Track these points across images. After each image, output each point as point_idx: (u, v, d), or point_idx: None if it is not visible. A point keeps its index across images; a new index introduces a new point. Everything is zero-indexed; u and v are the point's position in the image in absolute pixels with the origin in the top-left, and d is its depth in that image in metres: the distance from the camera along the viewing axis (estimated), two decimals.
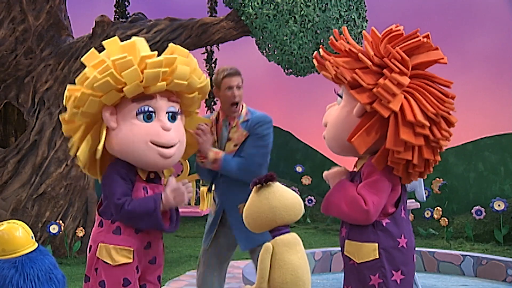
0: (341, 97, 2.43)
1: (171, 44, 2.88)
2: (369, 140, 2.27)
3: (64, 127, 2.88)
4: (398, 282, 2.30)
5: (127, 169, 2.71)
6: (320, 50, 2.48)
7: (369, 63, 2.26)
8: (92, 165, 2.83)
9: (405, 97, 2.25)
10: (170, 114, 2.74)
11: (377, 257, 2.28)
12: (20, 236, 2.39)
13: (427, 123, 2.24)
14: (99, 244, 2.71)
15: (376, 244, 2.30)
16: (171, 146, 2.71)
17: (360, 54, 2.29)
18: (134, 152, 2.67)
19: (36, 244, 2.44)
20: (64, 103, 2.82)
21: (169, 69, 2.67)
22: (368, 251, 2.30)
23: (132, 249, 2.69)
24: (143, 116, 2.67)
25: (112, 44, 2.83)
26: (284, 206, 2.07)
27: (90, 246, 2.77)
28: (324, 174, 2.61)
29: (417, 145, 2.25)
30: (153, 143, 2.67)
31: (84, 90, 2.66)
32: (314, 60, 2.51)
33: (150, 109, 2.68)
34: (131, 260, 2.69)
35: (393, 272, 2.29)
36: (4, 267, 2.32)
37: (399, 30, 2.37)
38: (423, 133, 2.24)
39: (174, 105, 2.77)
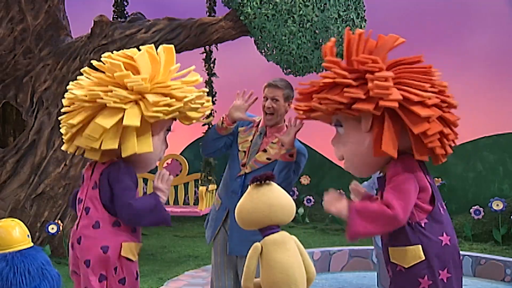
0: (340, 125, 2.44)
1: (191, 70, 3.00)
2: (393, 142, 2.30)
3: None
4: (445, 280, 2.29)
5: (135, 174, 2.86)
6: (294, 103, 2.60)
7: (349, 81, 2.30)
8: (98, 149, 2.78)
9: (398, 88, 2.30)
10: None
11: (423, 258, 2.28)
12: (15, 233, 2.42)
13: (431, 94, 2.32)
14: (122, 243, 2.81)
15: (420, 246, 2.29)
16: None
17: (336, 80, 2.33)
18: (151, 160, 2.88)
19: (31, 244, 2.46)
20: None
21: None
22: (414, 254, 2.29)
23: (140, 244, 2.96)
24: (167, 132, 2.93)
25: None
26: (281, 205, 2.07)
27: (105, 247, 2.74)
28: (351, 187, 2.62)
29: (436, 115, 2.31)
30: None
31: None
32: (297, 116, 2.64)
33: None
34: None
35: (440, 271, 2.29)
36: None
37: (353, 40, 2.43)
38: (434, 103, 2.31)
39: None
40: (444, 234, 2.34)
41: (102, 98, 2.65)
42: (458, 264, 2.37)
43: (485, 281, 5.15)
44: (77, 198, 2.90)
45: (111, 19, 7.40)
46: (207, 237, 3.48)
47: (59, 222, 6.38)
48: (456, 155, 9.03)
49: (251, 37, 6.65)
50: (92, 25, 6.75)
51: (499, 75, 8.95)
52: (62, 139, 2.96)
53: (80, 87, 2.79)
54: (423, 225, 2.32)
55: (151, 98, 2.68)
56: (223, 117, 3.26)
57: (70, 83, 2.90)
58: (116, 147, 2.69)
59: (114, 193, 2.75)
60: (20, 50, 6.69)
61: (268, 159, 3.25)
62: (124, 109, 2.66)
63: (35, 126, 6.65)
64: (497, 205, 6.92)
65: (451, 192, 8.33)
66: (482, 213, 7.19)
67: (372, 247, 4.63)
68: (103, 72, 2.83)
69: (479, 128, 8.86)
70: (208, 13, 10.05)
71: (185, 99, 2.75)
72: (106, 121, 2.65)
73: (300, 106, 2.51)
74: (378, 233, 2.37)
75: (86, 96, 2.70)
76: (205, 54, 10.34)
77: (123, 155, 2.71)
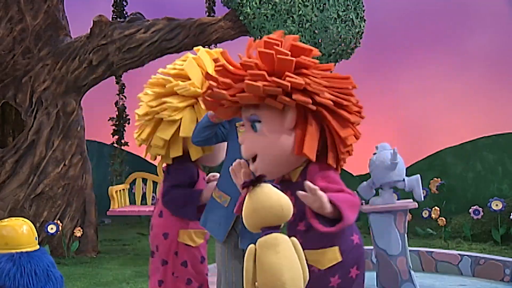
0: (258, 121, 2.27)
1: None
2: (315, 143, 2.22)
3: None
4: (354, 277, 2.31)
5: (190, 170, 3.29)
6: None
7: (291, 66, 2.17)
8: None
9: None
10: None
11: (340, 259, 2.27)
12: (24, 233, 2.44)
13: (355, 101, 2.26)
14: (180, 231, 3.21)
15: (337, 247, 2.28)
16: None
17: (280, 56, 2.16)
18: (216, 157, 3.36)
19: (38, 246, 2.46)
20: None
21: None
22: (331, 256, 2.28)
23: (205, 231, 3.20)
24: None
25: None
26: (264, 208, 2.05)
27: (166, 234, 3.22)
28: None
29: (356, 122, 2.27)
30: None
31: None
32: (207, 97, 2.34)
33: None
34: (203, 240, 3.29)
35: (351, 269, 2.30)
36: (2, 260, 2.34)
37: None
38: (357, 110, 2.26)
39: None
40: (354, 233, 2.35)
41: (158, 113, 3.11)
42: (364, 260, 2.40)
43: (484, 281, 5.14)
44: None
45: (110, 19, 7.40)
46: (219, 235, 3.37)
47: (58, 222, 6.38)
48: (456, 155, 9.04)
49: (250, 37, 6.65)
50: (92, 25, 6.75)
51: (499, 75, 8.95)
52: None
53: (142, 105, 3.29)
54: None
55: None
56: None
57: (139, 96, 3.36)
58: (181, 153, 3.20)
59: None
60: (19, 50, 6.69)
61: None
62: (180, 119, 3.10)
63: (34, 126, 6.65)
64: (496, 205, 6.92)
65: (450, 192, 8.32)
66: (481, 213, 7.18)
67: (372, 247, 4.62)
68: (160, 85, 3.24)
69: (478, 128, 8.86)
70: (207, 13, 10.08)
71: None
72: (165, 133, 3.14)
73: (219, 91, 2.24)
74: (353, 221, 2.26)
75: (147, 114, 3.20)
76: None
77: (192, 159, 3.23)
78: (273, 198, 2.04)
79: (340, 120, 2.22)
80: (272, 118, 2.25)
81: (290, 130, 2.23)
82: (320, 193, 2.03)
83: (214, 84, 2.27)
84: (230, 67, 2.25)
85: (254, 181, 2.03)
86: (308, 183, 2.05)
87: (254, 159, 2.30)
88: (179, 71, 3.12)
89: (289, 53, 2.19)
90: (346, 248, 2.29)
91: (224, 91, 2.23)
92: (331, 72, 2.34)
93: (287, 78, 2.13)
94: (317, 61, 2.30)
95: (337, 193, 2.17)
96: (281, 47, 2.23)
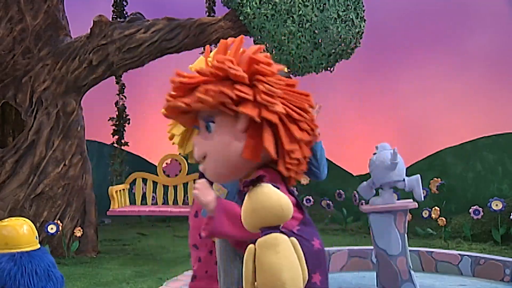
0: (213, 122, 2.30)
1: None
2: (265, 148, 2.22)
3: None
4: (319, 283, 2.28)
5: None
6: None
7: (243, 75, 2.20)
8: None
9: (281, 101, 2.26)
10: None
11: None
12: (25, 233, 2.44)
13: (308, 117, 2.28)
14: None
15: None
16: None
17: (231, 70, 2.20)
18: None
19: (39, 246, 2.47)
20: None
21: None
22: None
23: None
24: None
25: None
26: (264, 208, 2.05)
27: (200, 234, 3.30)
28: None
29: (305, 140, 2.27)
30: None
31: None
32: (170, 105, 2.35)
33: None
34: None
35: (313, 275, 2.25)
36: (3, 260, 2.35)
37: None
38: (307, 128, 2.26)
39: None
40: (315, 238, 2.33)
41: None
42: (326, 265, 2.38)
43: (484, 281, 5.14)
44: None
45: (110, 19, 7.40)
46: None
47: (58, 222, 6.38)
48: (456, 155, 9.05)
49: (250, 37, 6.65)
50: (92, 25, 6.75)
51: (499, 75, 8.95)
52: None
53: None
54: (296, 231, 2.28)
55: None
56: None
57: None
58: None
59: None
60: (19, 50, 6.69)
61: None
62: None
63: (34, 126, 6.65)
64: (496, 205, 6.92)
65: (450, 192, 8.32)
66: (481, 213, 7.19)
67: (372, 247, 4.62)
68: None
69: (478, 128, 8.87)
70: (207, 13, 10.08)
71: None
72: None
73: (175, 100, 2.29)
74: (238, 237, 2.28)
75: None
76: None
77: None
78: (273, 198, 2.04)
79: (288, 133, 2.23)
80: (225, 121, 2.27)
81: (242, 134, 2.25)
82: (209, 197, 2.24)
83: (170, 96, 2.32)
84: (184, 79, 2.29)
85: (254, 181, 2.03)
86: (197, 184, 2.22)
87: (204, 159, 2.34)
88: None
89: (240, 69, 2.22)
90: (305, 252, 2.21)
91: (180, 102, 2.28)
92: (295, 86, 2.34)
93: (235, 90, 2.18)
94: (277, 73, 2.30)
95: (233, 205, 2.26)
96: (240, 57, 2.27)
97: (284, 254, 2.00)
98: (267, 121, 2.22)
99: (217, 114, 2.28)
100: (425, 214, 7.38)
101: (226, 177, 2.41)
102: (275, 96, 2.20)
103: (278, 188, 2.03)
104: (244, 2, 6.36)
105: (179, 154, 3.47)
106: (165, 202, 8.19)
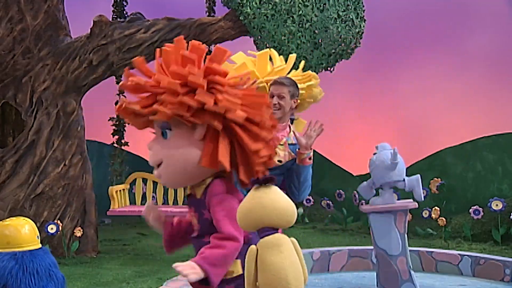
0: (169, 129, 2.30)
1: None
2: (222, 157, 2.23)
3: None
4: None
5: None
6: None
7: (202, 83, 2.21)
8: None
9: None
10: None
11: (241, 272, 2.26)
12: (26, 232, 2.46)
13: (267, 117, 2.29)
14: None
15: (239, 260, 2.28)
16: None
17: (190, 78, 2.21)
18: None
19: (40, 245, 2.48)
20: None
21: None
22: (232, 268, 2.28)
23: None
24: None
25: None
26: (275, 208, 2.05)
27: None
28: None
29: (267, 137, 2.29)
30: None
31: None
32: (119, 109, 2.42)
33: None
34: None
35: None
36: (5, 259, 2.36)
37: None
38: (268, 126, 2.29)
39: None
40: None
41: None
42: None
43: (484, 281, 5.14)
44: None
45: (110, 19, 7.40)
46: None
47: (58, 222, 6.38)
48: (456, 155, 9.05)
49: (250, 37, 6.65)
50: (92, 25, 6.75)
51: (499, 75, 8.95)
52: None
53: None
54: (247, 240, 2.29)
55: None
56: None
57: None
58: None
59: None
60: (19, 50, 6.69)
61: (279, 161, 3.27)
62: None
63: (34, 126, 6.65)
64: (497, 205, 6.92)
65: (450, 192, 8.32)
66: (482, 213, 7.19)
67: (372, 247, 4.62)
68: None
69: (478, 128, 8.87)
70: (207, 13, 10.09)
71: None
72: None
73: (131, 103, 2.32)
74: (231, 263, 2.28)
75: None
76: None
77: None
78: (284, 201, 2.05)
79: (251, 135, 2.25)
80: (182, 129, 2.27)
81: (199, 142, 2.26)
82: (190, 271, 2.14)
83: (125, 99, 2.34)
84: (142, 83, 2.29)
85: (265, 180, 2.04)
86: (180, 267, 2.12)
87: (159, 165, 2.33)
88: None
89: (200, 76, 2.22)
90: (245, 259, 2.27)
91: (135, 106, 2.30)
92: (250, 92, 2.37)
93: (196, 97, 2.18)
94: (234, 81, 2.34)
95: (210, 249, 2.23)
96: (198, 64, 2.28)
97: (287, 255, 2.00)
98: (224, 130, 2.22)
99: (174, 123, 2.27)
100: (425, 214, 7.39)
101: (181, 184, 2.44)
102: (234, 103, 2.21)
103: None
104: (244, 2, 6.36)
105: None
106: (165, 202, 8.19)
